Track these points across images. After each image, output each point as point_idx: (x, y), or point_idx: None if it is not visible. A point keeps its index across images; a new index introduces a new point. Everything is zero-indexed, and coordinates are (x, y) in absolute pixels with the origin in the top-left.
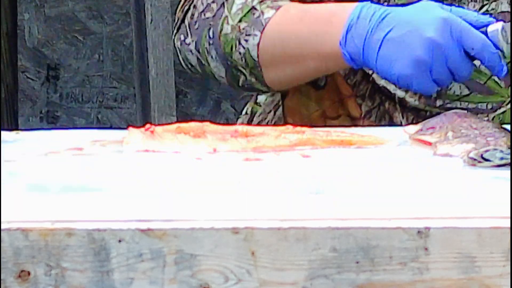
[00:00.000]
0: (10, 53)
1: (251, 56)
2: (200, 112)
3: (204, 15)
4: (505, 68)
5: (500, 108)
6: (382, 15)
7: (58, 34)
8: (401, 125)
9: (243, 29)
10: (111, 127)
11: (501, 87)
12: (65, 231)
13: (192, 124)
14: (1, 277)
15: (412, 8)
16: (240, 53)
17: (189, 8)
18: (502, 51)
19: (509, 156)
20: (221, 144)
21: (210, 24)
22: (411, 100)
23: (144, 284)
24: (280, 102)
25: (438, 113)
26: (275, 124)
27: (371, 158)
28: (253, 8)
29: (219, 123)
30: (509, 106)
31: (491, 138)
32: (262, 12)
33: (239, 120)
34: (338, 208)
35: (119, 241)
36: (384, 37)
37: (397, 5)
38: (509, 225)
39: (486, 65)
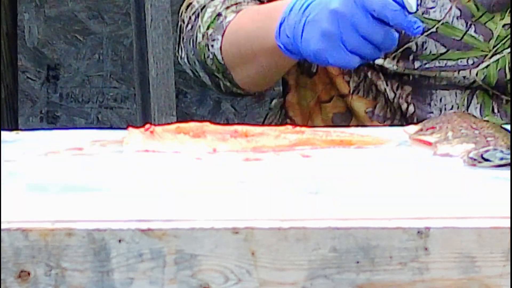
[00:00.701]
0: (10, 53)
1: (217, 60)
2: (200, 112)
3: (188, 28)
4: (418, 24)
5: (482, 62)
6: (309, 3)
7: (58, 34)
8: (385, 92)
9: (210, 35)
10: (111, 127)
11: (479, 41)
12: (65, 231)
13: (192, 124)
14: (1, 277)
15: None
16: (210, 59)
17: (182, 24)
18: (409, 11)
19: (509, 156)
20: (221, 144)
21: (190, 36)
22: (390, 66)
23: (144, 284)
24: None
25: (420, 75)
26: (278, 123)
27: (371, 158)
28: (219, 14)
29: (219, 123)
30: (492, 60)
31: (491, 138)
32: (225, 17)
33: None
34: (338, 208)
35: (119, 241)
36: (304, 22)
37: None
38: (509, 225)
39: (393, 25)
